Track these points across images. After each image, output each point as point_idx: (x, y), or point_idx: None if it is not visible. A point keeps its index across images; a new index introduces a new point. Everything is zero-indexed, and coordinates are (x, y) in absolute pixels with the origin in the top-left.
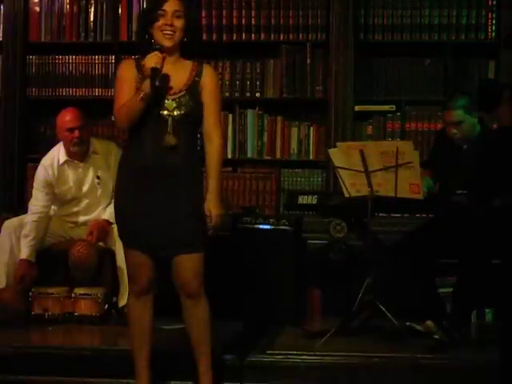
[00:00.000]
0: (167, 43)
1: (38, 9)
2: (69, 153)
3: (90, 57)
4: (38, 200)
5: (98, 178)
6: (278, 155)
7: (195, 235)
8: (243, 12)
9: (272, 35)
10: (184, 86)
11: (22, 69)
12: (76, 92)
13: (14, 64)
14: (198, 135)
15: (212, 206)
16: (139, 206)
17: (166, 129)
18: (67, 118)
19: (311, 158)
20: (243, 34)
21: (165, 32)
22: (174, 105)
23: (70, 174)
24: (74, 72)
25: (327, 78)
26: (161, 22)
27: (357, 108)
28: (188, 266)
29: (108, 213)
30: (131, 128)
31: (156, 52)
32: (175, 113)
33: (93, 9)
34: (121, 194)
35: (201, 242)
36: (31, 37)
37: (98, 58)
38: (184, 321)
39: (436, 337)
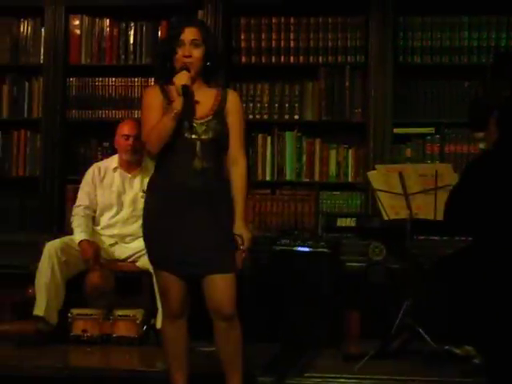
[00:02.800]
0: None
1: (78, 31)
2: (121, 160)
3: (129, 79)
4: (80, 201)
5: (144, 191)
6: (317, 177)
7: (226, 256)
8: (282, 34)
9: (311, 57)
10: (211, 110)
11: (62, 91)
12: (115, 114)
13: (55, 86)
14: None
15: (242, 229)
16: (169, 229)
17: (194, 153)
18: (125, 125)
19: (350, 180)
20: (282, 57)
21: (184, 62)
22: (203, 129)
23: (116, 181)
24: (113, 94)
25: (366, 100)
26: (179, 52)
27: (396, 130)
28: (221, 287)
29: None
30: (160, 152)
31: (184, 71)
32: (203, 137)
33: (132, 31)
34: (150, 217)
35: (232, 263)
36: (71, 59)
37: (138, 81)
38: (215, 343)
39: (475, 361)
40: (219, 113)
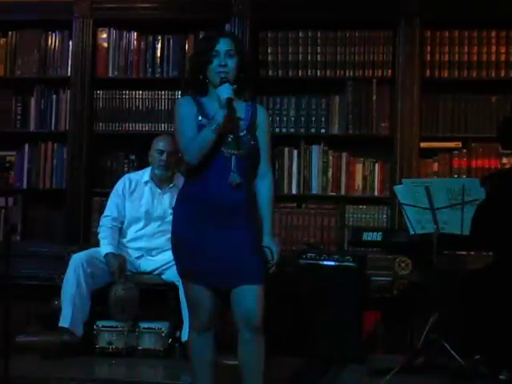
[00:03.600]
0: None
1: (105, 45)
2: (153, 175)
3: (156, 92)
4: (108, 211)
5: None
6: (343, 191)
7: (256, 268)
8: (309, 48)
9: (338, 71)
10: (244, 125)
11: (89, 104)
12: (142, 127)
13: (82, 99)
14: None
15: (271, 242)
16: (199, 241)
17: (230, 168)
18: (160, 140)
19: (376, 194)
20: (309, 70)
21: (219, 73)
22: (237, 144)
23: (146, 194)
24: (140, 107)
25: (393, 114)
26: (214, 63)
27: (422, 145)
28: (250, 297)
29: None
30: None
31: (227, 83)
32: (238, 151)
33: (160, 45)
34: (179, 229)
35: (262, 275)
36: (99, 72)
37: (165, 94)
38: (238, 356)
39: (502, 377)
40: (251, 128)
